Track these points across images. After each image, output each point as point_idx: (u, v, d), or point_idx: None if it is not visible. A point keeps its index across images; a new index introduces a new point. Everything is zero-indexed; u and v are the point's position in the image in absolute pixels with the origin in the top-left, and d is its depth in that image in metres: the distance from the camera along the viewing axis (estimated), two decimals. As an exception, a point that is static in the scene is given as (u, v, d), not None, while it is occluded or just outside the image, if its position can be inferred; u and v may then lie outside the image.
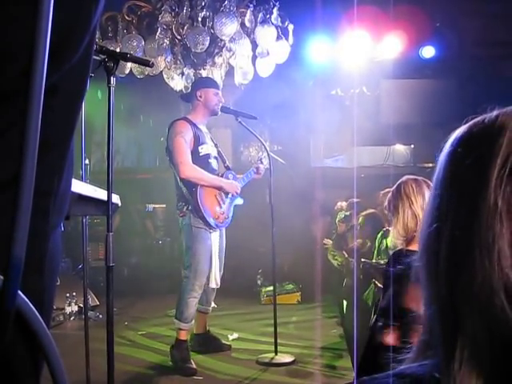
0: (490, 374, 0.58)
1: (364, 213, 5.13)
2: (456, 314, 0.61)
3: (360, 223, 5.10)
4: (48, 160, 0.94)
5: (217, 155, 4.36)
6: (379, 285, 3.53)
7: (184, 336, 4.08)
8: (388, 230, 4.03)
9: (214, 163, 4.26)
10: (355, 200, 5.79)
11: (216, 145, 4.41)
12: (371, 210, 5.05)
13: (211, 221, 4.05)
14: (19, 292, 0.70)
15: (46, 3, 0.64)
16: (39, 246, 0.97)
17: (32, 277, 0.95)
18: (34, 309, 0.74)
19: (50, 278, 1.02)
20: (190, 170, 4.00)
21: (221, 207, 4.19)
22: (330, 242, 5.95)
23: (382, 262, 3.91)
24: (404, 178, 2.50)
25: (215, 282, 4.16)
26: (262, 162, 4.56)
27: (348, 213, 5.94)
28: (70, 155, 1.02)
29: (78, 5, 0.92)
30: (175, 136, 4.04)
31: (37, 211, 0.94)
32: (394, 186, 2.52)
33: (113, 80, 2.46)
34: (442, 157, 0.69)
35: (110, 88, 2.45)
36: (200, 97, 4.22)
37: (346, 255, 5.49)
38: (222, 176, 4.32)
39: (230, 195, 4.30)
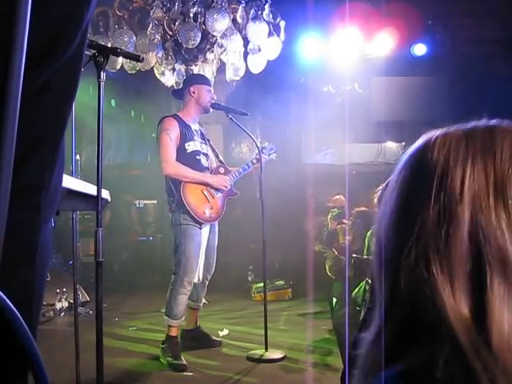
0: None
1: (355, 210, 5.14)
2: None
3: (351, 220, 5.11)
4: (40, 155, 0.95)
5: (207, 152, 4.34)
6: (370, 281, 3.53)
7: (174, 332, 4.08)
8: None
9: (203, 160, 4.24)
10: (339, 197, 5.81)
11: (208, 141, 4.40)
12: (362, 208, 5.06)
13: (195, 217, 4.05)
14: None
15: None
16: (30, 239, 0.97)
17: (22, 270, 0.95)
18: (12, 306, 0.73)
19: (40, 271, 1.02)
20: (172, 167, 4.02)
21: (208, 202, 4.18)
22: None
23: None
24: None
25: (198, 277, 4.16)
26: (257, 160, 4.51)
27: (339, 210, 5.96)
28: (62, 151, 1.02)
29: (71, 3, 0.92)
30: (161, 133, 4.08)
31: (28, 205, 0.94)
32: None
33: (103, 75, 2.45)
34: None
35: (99, 83, 2.44)
36: (193, 93, 4.21)
37: (336, 253, 5.50)
38: (212, 171, 4.31)
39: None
